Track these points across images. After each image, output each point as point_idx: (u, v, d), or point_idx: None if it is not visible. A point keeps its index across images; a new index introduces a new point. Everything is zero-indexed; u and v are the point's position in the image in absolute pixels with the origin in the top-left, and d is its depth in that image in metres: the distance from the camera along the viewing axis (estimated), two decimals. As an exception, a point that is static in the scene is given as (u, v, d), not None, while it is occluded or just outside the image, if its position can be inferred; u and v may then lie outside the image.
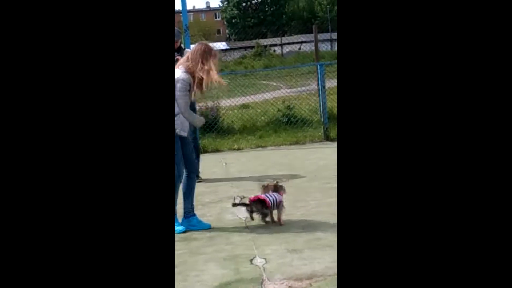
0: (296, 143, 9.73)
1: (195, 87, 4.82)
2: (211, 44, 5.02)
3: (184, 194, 5.09)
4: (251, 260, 4.12)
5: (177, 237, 4.79)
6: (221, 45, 37.04)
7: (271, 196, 4.97)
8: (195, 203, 5.18)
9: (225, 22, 62.38)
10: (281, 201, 5.02)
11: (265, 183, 5.30)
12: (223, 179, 7.27)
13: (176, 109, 4.70)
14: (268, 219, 5.01)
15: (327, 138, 9.81)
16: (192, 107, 6.76)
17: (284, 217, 5.13)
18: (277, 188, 5.15)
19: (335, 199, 5.44)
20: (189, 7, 10.80)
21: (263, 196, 4.99)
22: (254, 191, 6.15)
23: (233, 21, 58.40)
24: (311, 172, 7.07)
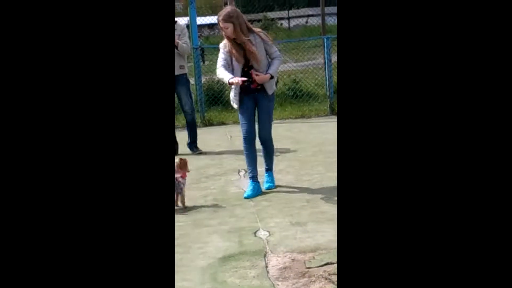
0: (302, 116, 9.68)
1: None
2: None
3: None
4: (254, 233, 4.14)
5: (181, 209, 4.81)
6: (227, 18, 36.48)
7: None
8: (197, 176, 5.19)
9: (232, -5, 61.91)
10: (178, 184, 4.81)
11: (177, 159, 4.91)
12: (227, 151, 7.25)
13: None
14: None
15: (333, 112, 9.75)
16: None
17: (288, 190, 5.18)
18: (181, 165, 4.88)
19: (339, 173, 5.47)
20: (195, -22, 10.66)
21: None
22: (257, 164, 6.16)
23: (240, -7, 58.02)
24: (316, 146, 7.06)
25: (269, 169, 5.41)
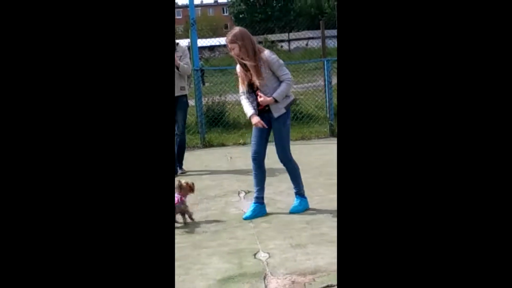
0: (302, 138, 9.70)
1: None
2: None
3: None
4: (254, 255, 4.12)
5: (180, 230, 4.81)
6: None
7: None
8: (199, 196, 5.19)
9: (232, 17, 62.33)
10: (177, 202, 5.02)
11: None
12: (228, 173, 7.26)
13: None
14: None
15: (333, 134, 9.78)
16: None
17: (288, 212, 5.18)
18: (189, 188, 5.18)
19: (339, 195, 5.46)
20: (196, 1, 10.78)
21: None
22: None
23: (241, 16, 58.31)
24: (316, 168, 7.05)
25: (296, 193, 5.34)
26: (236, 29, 5.06)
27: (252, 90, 5.05)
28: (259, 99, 4.97)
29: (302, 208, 5.24)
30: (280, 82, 5.00)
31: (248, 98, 5.08)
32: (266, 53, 4.98)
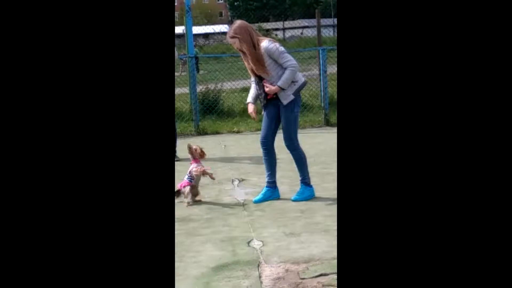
0: (296, 127, 9.70)
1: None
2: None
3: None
4: (248, 243, 4.13)
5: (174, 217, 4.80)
6: (223, 28, 36.96)
7: (187, 175, 5.37)
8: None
9: (227, 5, 62.14)
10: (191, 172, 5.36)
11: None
12: (222, 161, 7.26)
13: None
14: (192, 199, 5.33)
15: (327, 123, 9.79)
16: None
17: (282, 200, 5.21)
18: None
19: (333, 184, 5.47)
20: (191, -12, 10.79)
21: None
22: (251, 173, 6.15)
23: (236, 3, 58.17)
24: (310, 157, 7.01)
25: (301, 181, 5.35)
26: (236, 23, 5.16)
27: (259, 79, 5.12)
28: (266, 89, 5.05)
29: (305, 196, 5.26)
30: (285, 69, 5.01)
31: (255, 87, 5.19)
32: (264, 43, 5.01)
